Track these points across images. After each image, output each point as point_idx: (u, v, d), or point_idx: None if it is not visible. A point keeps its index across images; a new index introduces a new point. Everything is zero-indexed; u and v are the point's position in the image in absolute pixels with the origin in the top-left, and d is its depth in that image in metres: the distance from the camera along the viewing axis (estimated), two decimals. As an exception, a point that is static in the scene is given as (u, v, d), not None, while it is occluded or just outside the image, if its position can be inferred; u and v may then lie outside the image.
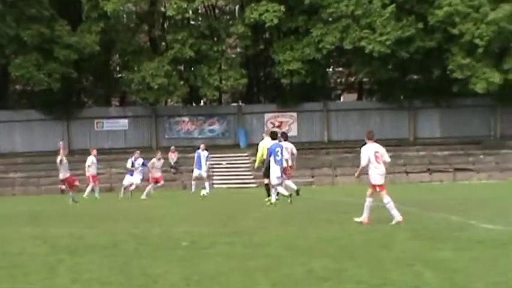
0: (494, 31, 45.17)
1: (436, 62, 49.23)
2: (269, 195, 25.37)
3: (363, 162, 17.29)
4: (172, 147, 47.63)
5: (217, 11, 55.59)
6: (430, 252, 12.07)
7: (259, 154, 26.89)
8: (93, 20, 49.42)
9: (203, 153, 34.97)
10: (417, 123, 51.66)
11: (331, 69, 58.06)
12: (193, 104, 57.37)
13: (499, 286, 8.96)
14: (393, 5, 46.85)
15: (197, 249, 13.18)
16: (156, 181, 34.48)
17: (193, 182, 35.66)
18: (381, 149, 17.50)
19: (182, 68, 53.14)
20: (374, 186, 17.42)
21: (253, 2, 49.37)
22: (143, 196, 32.44)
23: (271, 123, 51.72)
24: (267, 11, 48.23)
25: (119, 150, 50.04)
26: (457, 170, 46.72)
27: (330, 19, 48.91)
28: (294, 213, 20.63)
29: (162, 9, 53.51)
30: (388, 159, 17.56)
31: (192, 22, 53.17)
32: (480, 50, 45.71)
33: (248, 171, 46.51)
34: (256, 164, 27.98)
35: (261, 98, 57.92)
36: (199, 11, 53.92)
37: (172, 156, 47.01)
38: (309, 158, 47.24)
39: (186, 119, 53.05)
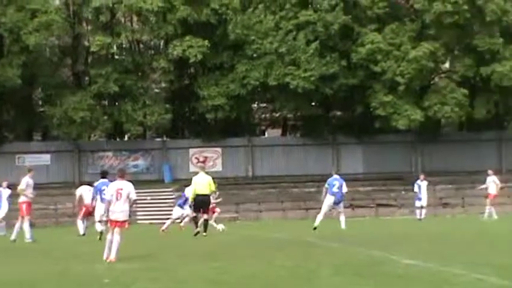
0: (415, 69, 46.17)
1: (359, 98, 49.99)
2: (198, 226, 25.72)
3: None
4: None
5: (141, 46, 55.50)
6: (352, 287, 12.15)
7: (193, 189, 27.03)
8: (15, 53, 48.81)
9: (5, 192, 33.67)
10: (340, 158, 52.19)
11: (255, 105, 58.39)
12: (117, 139, 56.96)
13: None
14: (317, 42, 47.48)
15: (120, 286, 13.03)
16: None
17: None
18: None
19: (106, 102, 52.87)
20: None
21: (178, 37, 49.46)
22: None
23: (196, 158, 51.69)
24: (191, 46, 48.38)
25: (42, 185, 49.23)
26: (379, 205, 47.30)
27: (255, 55, 49.29)
28: (218, 249, 20.58)
29: (86, 43, 53.20)
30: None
31: (116, 57, 52.99)
32: (401, 88, 46.61)
33: (173, 206, 46.21)
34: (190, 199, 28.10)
35: (185, 133, 57.87)
36: (124, 46, 53.75)
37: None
38: (234, 193, 47.25)
39: (110, 154, 52.63)
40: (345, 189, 28.12)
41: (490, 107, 49.63)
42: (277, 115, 59.71)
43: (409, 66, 46.21)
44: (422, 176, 39.41)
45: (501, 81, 46.32)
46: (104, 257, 17.41)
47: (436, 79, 52.73)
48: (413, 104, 47.24)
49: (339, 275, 13.82)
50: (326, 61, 47.50)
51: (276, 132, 60.96)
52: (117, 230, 17.45)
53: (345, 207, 46.63)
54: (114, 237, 17.43)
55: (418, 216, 38.95)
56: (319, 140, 52.09)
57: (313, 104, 51.56)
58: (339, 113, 55.43)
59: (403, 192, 48.97)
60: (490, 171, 38.28)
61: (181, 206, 32.64)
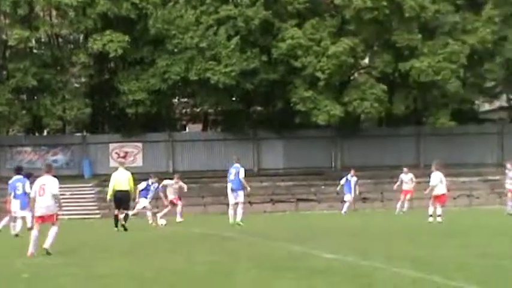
0: (335, 64, 46.56)
1: (279, 93, 50.20)
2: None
3: None
4: None
5: (61, 40, 54.69)
6: (272, 281, 12.20)
7: (112, 185, 26.92)
8: None
9: None
10: (261, 154, 52.37)
11: (176, 100, 58.18)
12: (36, 134, 56.10)
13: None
14: (238, 37, 47.51)
15: (39, 282, 12.85)
16: None
17: None
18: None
19: (25, 97, 52.01)
20: None
21: (98, 32, 48.94)
22: None
23: (116, 153, 51.25)
24: (111, 41, 47.93)
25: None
26: (299, 200, 47.62)
27: (176, 50, 49.07)
28: (139, 244, 20.47)
29: (4, 37, 52.20)
30: None
31: (35, 51, 52.13)
32: (321, 83, 46.98)
33: (93, 201, 45.82)
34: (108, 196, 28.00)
35: (106, 127, 57.31)
36: (43, 40, 52.91)
37: None
38: (154, 188, 46.94)
39: (29, 148, 51.81)
40: (241, 174, 28.17)
41: (409, 102, 50.37)
42: (198, 110, 59.57)
43: (329, 62, 46.58)
44: (352, 171, 39.39)
45: (419, 77, 47.02)
46: (28, 253, 17.17)
47: (356, 75, 53.30)
48: (333, 99, 47.67)
49: (258, 269, 13.87)
50: (247, 56, 47.58)
51: (197, 127, 60.85)
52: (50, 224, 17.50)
53: (265, 202, 47.38)
54: (51, 229, 17.54)
55: (344, 210, 39.19)
56: (240, 135, 52.17)
57: (233, 99, 51.65)
58: (259, 108, 55.63)
59: (323, 187, 49.39)
60: (405, 169, 38.61)
61: (145, 196, 32.75)
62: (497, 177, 50.05)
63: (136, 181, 30.20)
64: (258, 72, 48.16)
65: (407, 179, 37.63)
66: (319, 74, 46.94)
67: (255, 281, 12.38)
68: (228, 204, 30.51)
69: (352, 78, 52.13)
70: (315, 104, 47.30)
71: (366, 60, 53.85)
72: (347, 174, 39.80)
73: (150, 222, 32.01)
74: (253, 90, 49.10)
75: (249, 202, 46.96)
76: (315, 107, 47.31)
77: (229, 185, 28.66)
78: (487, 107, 63.57)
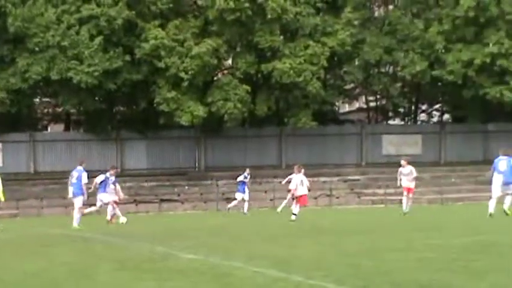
0: (198, 65, 46.68)
1: (143, 94, 49.92)
2: None
3: None
4: None
5: None
6: (133, 283, 12.19)
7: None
8: None
9: None
10: (124, 154, 51.96)
11: (38, 100, 56.96)
12: None
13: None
14: (101, 37, 46.93)
15: None
16: None
17: None
18: None
19: None
20: None
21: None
22: None
23: (-24, 153, 49.82)
24: (-32, 39, 46.56)
25: None
26: (163, 200, 47.53)
27: (36, 49, 48.01)
28: (-3, 248, 20.03)
29: None
30: None
31: None
32: (185, 84, 47.00)
33: None
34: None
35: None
36: None
37: None
38: (15, 189, 45.87)
39: None
40: (84, 179, 28.40)
41: (271, 103, 50.99)
42: (60, 110, 58.51)
43: (193, 63, 46.64)
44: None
45: (281, 79, 47.67)
46: None
47: (219, 75, 53.59)
48: (196, 100, 47.76)
49: (120, 270, 13.82)
50: (110, 56, 47.06)
51: (59, 127, 59.79)
52: None
53: (128, 202, 47.03)
54: None
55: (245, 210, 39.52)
56: (103, 135, 51.57)
57: (96, 99, 50.99)
58: (122, 108, 55.16)
59: (186, 187, 49.50)
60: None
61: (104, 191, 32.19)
62: (356, 177, 51.52)
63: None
64: (121, 72, 47.72)
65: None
66: (182, 75, 46.95)
67: (116, 282, 12.34)
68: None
69: (215, 78, 52.35)
70: (179, 104, 47.28)
71: (229, 61, 54.23)
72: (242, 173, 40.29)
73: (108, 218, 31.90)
74: (116, 90, 48.62)
75: (115, 202, 46.57)
76: (179, 108, 47.29)
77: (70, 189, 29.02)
78: (347, 108, 65.23)
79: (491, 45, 49.16)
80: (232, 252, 16.71)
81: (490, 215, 27.30)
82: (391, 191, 44.42)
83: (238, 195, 40.37)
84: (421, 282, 11.34)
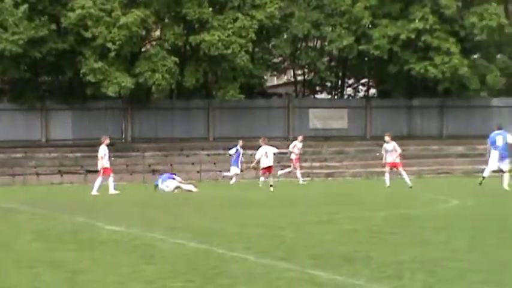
0: (126, 35, 46.22)
1: (69, 64, 49.19)
2: None
3: None
4: None
5: None
6: (53, 253, 12.06)
7: None
8: None
9: None
10: (49, 124, 51.21)
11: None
12: None
13: (115, 285, 9.20)
14: (26, 5, 46.06)
15: None
16: None
17: None
18: None
19: None
20: None
21: None
22: None
23: None
24: None
25: None
26: (88, 172, 47.04)
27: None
28: None
29: None
30: None
31: None
32: (112, 54, 46.51)
33: None
34: None
35: None
36: None
37: None
38: None
39: None
40: None
41: (199, 75, 50.82)
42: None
43: (120, 33, 46.15)
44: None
45: (209, 51, 47.54)
46: None
47: (148, 46, 53.17)
48: (123, 70, 47.31)
49: (39, 241, 13.69)
50: (35, 24, 46.23)
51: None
52: None
53: (53, 173, 46.57)
54: None
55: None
56: (27, 105, 50.68)
57: (21, 67, 50.10)
58: (48, 78, 54.31)
59: (112, 158, 48.95)
60: (387, 137, 36.23)
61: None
62: (283, 150, 51.73)
63: None
64: (47, 41, 46.94)
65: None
66: (109, 45, 46.44)
67: (34, 252, 12.21)
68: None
69: (143, 50, 51.93)
70: (105, 75, 46.76)
71: (158, 33, 53.82)
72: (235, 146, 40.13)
73: None
74: (42, 59, 47.86)
75: (36, 173, 46.09)
76: (105, 78, 46.79)
77: None
78: (274, 81, 65.39)
79: (416, 21, 49.82)
80: (155, 224, 16.70)
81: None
82: (317, 164, 44.81)
83: (234, 169, 39.83)
84: (342, 254, 11.48)
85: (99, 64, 46.55)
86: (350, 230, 15.07)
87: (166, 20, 51.14)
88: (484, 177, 29.21)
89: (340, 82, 59.66)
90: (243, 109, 52.27)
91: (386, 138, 34.09)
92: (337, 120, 53.99)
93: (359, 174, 47.94)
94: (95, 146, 49.77)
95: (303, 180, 39.29)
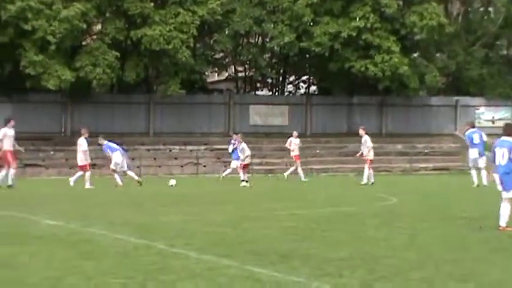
0: (67, 29, 45.74)
1: (8, 56, 48.47)
2: None
3: None
4: None
5: None
6: (-12, 249, 11.96)
7: None
8: None
9: None
10: (-13, 118, 50.39)
11: None
12: None
13: (52, 280, 9.16)
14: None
15: None
16: None
17: None
18: None
19: None
20: None
21: None
22: None
23: None
24: None
25: None
26: (27, 165, 46.51)
27: None
28: None
29: None
30: None
31: None
32: (53, 47, 45.97)
33: None
34: None
35: None
36: None
37: None
38: None
39: None
40: None
41: (140, 70, 50.49)
42: None
43: (61, 26, 45.59)
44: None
45: (151, 45, 47.27)
46: None
47: (89, 40, 52.66)
48: (64, 64, 46.77)
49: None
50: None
51: None
52: None
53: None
54: None
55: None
56: (-35, 97, 49.80)
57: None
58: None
59: (52, 152, 48.55)
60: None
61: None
62: (223, 146, 51.76)
63: None
64: (-15, 33, 46.23)
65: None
66: (50, 38, 45.88)
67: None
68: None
69: (84, 43, 51.42)
70: (46, 68, 46.18)
71: (99, 27, 53.35)
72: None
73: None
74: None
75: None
76: (46, 72, 46.21)
77: None
78: (216, 77, 65.30)
79: (357, 19, 50.18)
80: (95, 218, 16.62)
81: (478, 186, 29.16)
82: (257, 160, 44.93)
83: (234, 163, 39.37)
84: (281, 251, 11.58)
85: (40, 57, 45.95)
86: (290, 227, 15.19)
87: (107, 14, 50.68)
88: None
89: (281, 79, 59.83)
90: (184, 105, 52.09)
91: (361, 131, 35.48)
92: (277, 116, 54.16)
93: (299, 171, 48.17)
94: (34, 139, 49.46)
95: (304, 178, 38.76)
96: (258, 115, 53.83)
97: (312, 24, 51.02)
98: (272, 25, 51.82)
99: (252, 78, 58.56)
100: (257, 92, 60.00)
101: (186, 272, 9.75)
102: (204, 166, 48.88)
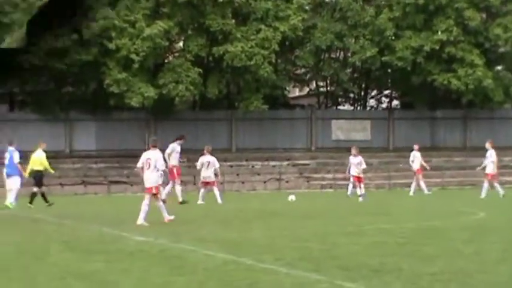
0: (150, 47, 46.36)
1: (92, 75, 49.32)
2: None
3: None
4: None
5: None
6: (82, 264, 12.08)
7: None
8: None
9: None
10: (73, 135, 51.37)
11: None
12: None
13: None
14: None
15: None
16: None
17: None
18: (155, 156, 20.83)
19: None
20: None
21: None
22: None
23: None
24: None
25: None
26: (111, 182, 47.21)
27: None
28: None
29: None
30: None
31: None
32: (136, 65, 46.62)
33: None
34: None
35: None
36: None
37: None
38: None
39: None
40: (16, 159, 28.72)
41: (222, 86, 50.89)
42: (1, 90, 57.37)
43: (144, 44, 46.27)
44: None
45: (233, 62, 47.57)
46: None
47: (171, 58, 53.24)
48: (147, 81, 47.39)
49: (69, 251, 13.72)
50: (54, 35, 46.35)
51: (3, 108, 58.56)
52: None
53: (77, 184, 46.72)
54: None
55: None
56: (51, 115, 50.80)
57: (44, 78, 50.26)
58: (72, 89, 54.45)
59: (135, 169, 49.08)
60: (353, 150, 35.89)
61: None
62: (306, 162, 51.69)
63: None
64: (69, 52, 47.08)
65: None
66: (133, 56, 46.56)
67: (65, 263, 12.23)
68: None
69: (167, 61, 52.03)
70: (129, 86, 46.87)
71: (181, 44, 53.90)
72: None
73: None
74: (65, 70, 47.98)
75: (60, 184, 46.22)
76: (129, 89, 46.90)
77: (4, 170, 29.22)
78: (297, 93, 65.36)
79: (440, 32, 49.66)
80: (183, 235, 16.67)
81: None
82: (340, 175, 44.65)
83: None
84: (371, 266, 11.43)
85: (123, 75, 46.68)
86: (378, 242, 15.00)
87: (189, 32, 51.17)
88: None
89: (363, 93, 59.52)
90: (266, 120, 52.24)
91: (353, 151, 34.61)
92: (359, 131, 53.84)
93: (382, 185, 47.77)
94: (118, 156, 50.19)
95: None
96: (340, 130, 53.56)
97: (394, 38, 50.67)
98: (353, 40, 51.67)
99: (333, 93, 58.35)
100: (339, 107, 59.74)
101: (277, 287, 9.70)
102: (287, 182, 48.82)
